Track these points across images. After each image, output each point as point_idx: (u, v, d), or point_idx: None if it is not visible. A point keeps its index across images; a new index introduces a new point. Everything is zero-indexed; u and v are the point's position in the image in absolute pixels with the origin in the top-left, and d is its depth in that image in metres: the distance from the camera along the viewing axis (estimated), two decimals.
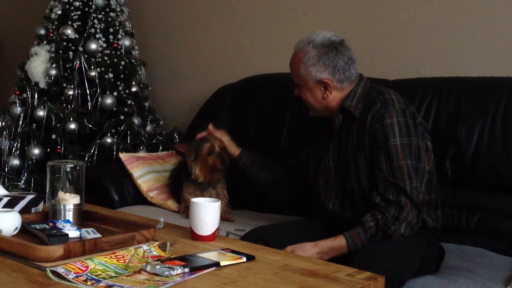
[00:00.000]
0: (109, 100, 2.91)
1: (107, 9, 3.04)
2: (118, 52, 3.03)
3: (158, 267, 1.23)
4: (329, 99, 1.80)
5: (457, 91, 2.18)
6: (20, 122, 2.96)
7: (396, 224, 1.64)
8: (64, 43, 2.97)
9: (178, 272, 1.22)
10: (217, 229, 1.56)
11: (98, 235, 1.44)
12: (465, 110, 2.13)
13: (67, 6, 3.02)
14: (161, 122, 3.21)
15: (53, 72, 2.95)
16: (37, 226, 1.45)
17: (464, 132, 2.11)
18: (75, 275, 1.18)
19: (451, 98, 2.18)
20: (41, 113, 2.90)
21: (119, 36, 3.05)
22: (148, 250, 1.33)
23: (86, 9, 3.01)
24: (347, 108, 1.78)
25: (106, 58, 2.97)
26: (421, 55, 2.50)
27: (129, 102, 3.01)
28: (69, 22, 2.99)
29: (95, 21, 3.00)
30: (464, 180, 2.11)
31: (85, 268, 1.21)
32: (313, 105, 1.84)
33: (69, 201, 1.57)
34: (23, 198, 1.68)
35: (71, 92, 2.89)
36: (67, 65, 2.94)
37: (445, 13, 2.44)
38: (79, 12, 3.01)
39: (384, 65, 2.58)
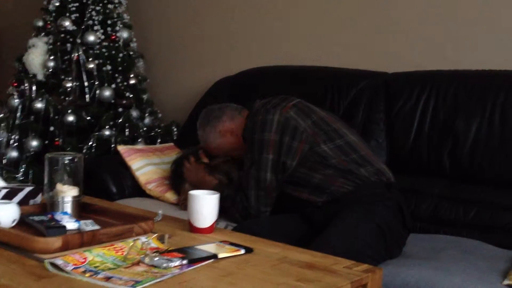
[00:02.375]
0: (107, 93, 2.90)
1: (105, 1, 3.02)
2: (116, 44, 3.02)
3: (156, 259, 1.23)
4: (238, 136, 2.06)
5: (456, 85, 2.19)
6: (18, 114, 2.96)
7: (236, 203, 1.93)
8: (62, 35, 2.96)
9: (176, 264, 1.22)
10: (216, 221, 1.56)
11: (97, 227, 1.43)
12: (463, 103, 2.14)
13: None
14: (159, 115, 3.20)
15: (51, 64, 2.94)
16: (35, 218, 1.45)
17: (462, 125, 2.11)
18: (74, 266, 1.18)
19: (449, 91, 2.18)
20: (39, 105, 2.89)
21: (117, 28, 3.04)
22: (146, 242, 1.33)
23: (84, 0, 3.00)
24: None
25: (104, 50, 2.96)
26: (420, 48, 2.50)
27: (127, 94, 3.01)
28: (67, 14, 2.98)
29: (93, 12, 2.98)
30: (461, 173, 2.11)
31: (84, 260, 1.21)
32: (241, 153, 2.04)
33: (67, 193, 1.56)
34: (21, 190, 1.67)
35: (69, 84, 2.89)
36: (65, 57, 2.93)
37: (444, 6, 2.44)
38: (77, 4, 3.00)
39: (382, 58, 2.58)
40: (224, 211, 1.93)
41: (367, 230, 1.70)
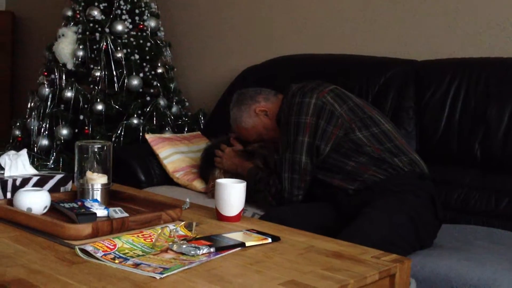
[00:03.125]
0: (135, 81, 2.93)
1: None
2: (144, 34, 3.04)
3: (184, 246, 1.24)
4: (272, 117, 2.06)
5: (487, 72, 2.14)
6: (49, 103, 3.00)
7: (269, 186, 1.93)
8: (91, 25, 2.99)
9: (204, 251, 1.23)
10: (243, 209, 1.56)
11: (126, 214, 1.45)
12: (495, 91, 2.09)
13: None
14: (187, 104, 3.22)
15: (80, 53, 2.97)
16: (66, 205, 1.47)
17: (494, 113, 2.07)
18: (103, 253, 1.20)
19: (481, 79, 2.14)
20: (69, 94, 2.93)
21: (145, 17, 3.06)
22: (174, 230, 1.34)
23: None
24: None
25: (132, 39, 2.98)
26: (450, 36, 2.45)
27: (155, 83, 3.03)
28: (96, 4, 3.01)
29: (121, 2, 3.00)
30: (493, 162, 2.07)
31: (113, 247, 1.23)
32: (275, 136, 2.04)
33: (97, 180, 1.58)
34: (52, 177, 1.70)
35: (98, 73, 2.92)
36: (94, 47, 2.96)
37: None
38: None
39: (412, 45, 2.54)
40: (257, 194, 1.95)
41: (399, 220, 1.69)
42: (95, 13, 2.98)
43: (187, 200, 1.71)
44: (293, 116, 1.88)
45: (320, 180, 1.89)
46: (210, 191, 2.26)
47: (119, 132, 2.83)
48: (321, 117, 1.86)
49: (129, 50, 2.95)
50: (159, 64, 3.06)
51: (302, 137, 1.86)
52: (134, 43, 2.98)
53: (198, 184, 2.43)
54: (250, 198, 1.86)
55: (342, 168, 1.85)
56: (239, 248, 1.29)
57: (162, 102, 3.01)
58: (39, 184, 1.66)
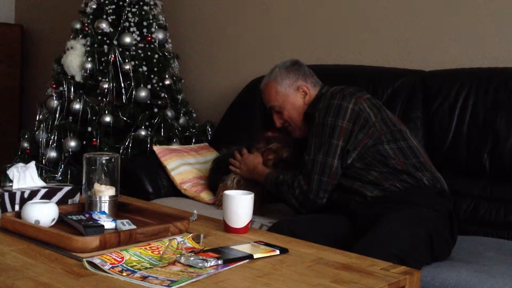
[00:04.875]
0: (143, 93, 2.94)
1: (141, 3, 3.06)
2: (152, 46, 3.06)
3: (192, 258, 1.23)
4: (306, 103, 2.05)
5: (496, 82, 2.14)
6: (57, 115, 3.02)
7: (293, 188, 1.92)
8: (99, 37, 3.01)
9: (211, 264, 1.22)
10: (250, 221, 1.56)
11: (133, 227, 1.45)
12: (504, 101, 2.08)
13: (102, 0, 3.05)
14: (194, 115, 3.22)
15: (89, 65, 2.99)
16: (74, 217, 1.47)
17: (503, 124, 2.06)
18: (111, 265, 1.19)
19: (489, 89, 2.13)
20: (77, 106, 2.95)
21: (153, 29, 3.07)
22: (182, 242, 1.34)
23: (120, 3, 3.05)
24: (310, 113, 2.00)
25: (140, 51, 3.00)
26: (458, 46, 2.44)
27: (162, 95, 3.04)
28: (104, 16, 3.03)
29: (129, 14, 3.02)
30: (502, 173, 2.06)
31: (121, 259, 1.23)
32: (297, 121, 2.06)
33: (105, 192, 1.59)
34: (60, 189, 1.71)
35: (106, 86, 2.93)
36: (102, 59, 2.98)
37: (482, 2, 2.38)
38: (113, 6, 3.04)
39: (419, 56, 2.54)
40: (279, 196, 1.97)
41: (417, 233, 1.67)
42: (104, 25, 3.00)
43: (195, 211, 1.71)
44: (330, 117, 1.88)
45: (339, 183, 1.89)
46: (219, 201, 2.26)
47: (127, 143, 2.83)
48: (356, 123, 1.87)
49: (137, 62, 2.97)
50: (166, 76, 3.08)
51: (336, 140, 1.86)
52: (142, 55, 2.99)
53: (206, 196, 2.42)
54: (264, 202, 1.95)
55: (364, 176, 1.85)
56: (247, 260, 1.28)
57: (169, 113, 3.02)
58: (47, 196, 1.66)
